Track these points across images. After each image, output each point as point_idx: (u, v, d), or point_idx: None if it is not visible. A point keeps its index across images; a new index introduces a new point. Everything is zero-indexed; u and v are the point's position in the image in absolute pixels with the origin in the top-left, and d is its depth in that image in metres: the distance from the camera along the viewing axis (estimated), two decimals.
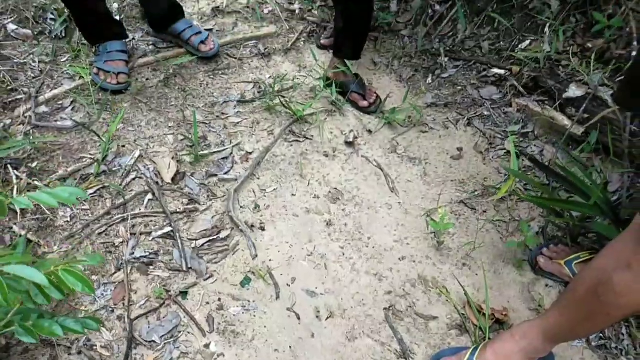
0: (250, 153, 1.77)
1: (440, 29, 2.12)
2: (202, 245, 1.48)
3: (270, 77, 2.05)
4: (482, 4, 2.06)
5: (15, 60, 1.97)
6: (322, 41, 2.19)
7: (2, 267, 0.69)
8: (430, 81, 2.03)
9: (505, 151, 1.74)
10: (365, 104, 1.91)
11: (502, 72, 1.92)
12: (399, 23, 2.21)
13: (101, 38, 1.88)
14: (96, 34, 1.87)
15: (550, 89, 1.79)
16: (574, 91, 1.72)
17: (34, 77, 1.92)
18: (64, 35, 2.08)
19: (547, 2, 1.94)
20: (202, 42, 2.02)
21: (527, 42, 1.93)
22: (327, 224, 1.55)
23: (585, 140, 1.64)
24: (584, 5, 1.90)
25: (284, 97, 1.94)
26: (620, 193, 1.50)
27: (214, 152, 1.74)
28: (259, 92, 1.99)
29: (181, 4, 2.34)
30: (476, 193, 1.61)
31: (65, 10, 2.02)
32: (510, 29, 1.98)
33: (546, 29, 1.91)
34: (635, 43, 1.71)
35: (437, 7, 2.14)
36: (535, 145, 1.74)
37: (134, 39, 2.10)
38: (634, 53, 1.69)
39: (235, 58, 2.12)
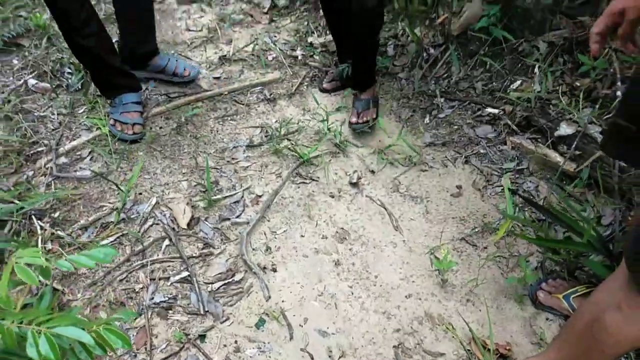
0: (260, 196, 1.86)
1: (435, 71, 2.24)
2: (218, 288, 1.55)
3: (276, 121, 2.16)
4: (474, 47, 2.19)
5: (35, 114, 2.09)
6: (325, 85, 2.31)
7: (53, 328, 0.77)
8: (428, 121, 2.13)
9: (502, 188, 1.83)
10: (353, 120, 2.06)
11: (496, 111, 2.03)
12: (396, 66, 2.34)
13: (116, 91, 2.00)
14: (111, 88, 2.00)
15: (542, 127, 1.89)
16: (564, 129, 1.82)
17: (53, 129, 2.04)
18: (80, 87, 2.21)
19: (535, 44, 2.06)
20: (185, 69, 2.24)
21: (518, 82, 2.05)
22: (336, 264, 1.63)
23: (578, 176, 1.73)
24: (570, 47, 2.02)
25: (289, 140, 2.05)
26: (614, 227, 1.58)
27: (226, 197, 1.84)
28: (266, 136, 2.09)
29: (189, 53, 2.49)
30: (476, 230, 1.69)
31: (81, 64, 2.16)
32: (502, 71, 2.10)
33: (536, 70, 2.02)
34: (619, 83, 1.82)
35: (432, 51, 2.27)
36: (530, 182, 1.83)
37: (147, 89, 2.23)
38: (619, 92, 1.80)
39: (243, 104, 2.24)
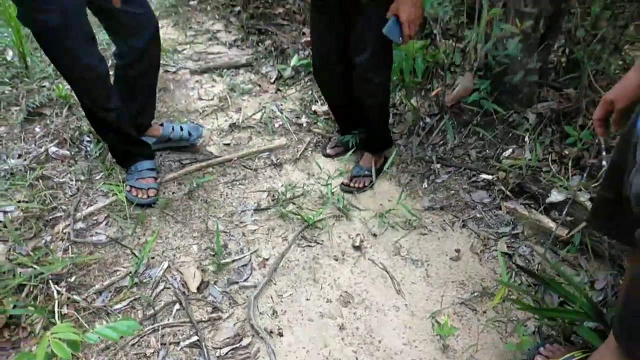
0: (267, 259, 1.94)
1: (432, 138, 2.39)
2: (226, 353, 1.60)
3: (282, 185, 2.28)
4: (467, 117, 2.35)
5: (55, 180, 2.21)
6: (328, 150, 2.45)
7: None
8: (426, 185, 2.25)
9: (499, 252, 1.91)
10: (345, 181, 2.23)
11: (490, 177, 2.15)
12: (395, 133, 2.49)
13: (132, 160, 2.14)
14: (128, 158, 2.13)
15: (534, 194, 2.00)
16: (555, 196, 1.93)
17: (71, 195, 2.15)
18: (98, 155, 2.34)
19: (525, 116, 2.21)
20: (189, 132, 2.36)
21: (510, 150, 2.18)
22: (340, 328, 1.69)
23: (571, 241, 1.82)
24: (558, 118, 2.18)
25: (295, 204, 2.15)
26: (606, 291, 1.65)
27: (234, 260, 1.91)
28: (272, 200, 2.20)
29: (200, 121, 2.65)
30: (475, 294, 1.76)
31: None
32: (493, 140, 2.24)
33: (526, 139, 2.16)
34: (604, 153, 1.95)
35: (428, 120, 2.43)
36: (525, 246, 1.91)
37: (161, 155, 2.36)
38: (604, 162, 1.93)
39: (251, 169, 2.37)
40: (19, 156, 2.32)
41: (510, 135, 2.21)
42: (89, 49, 1.81)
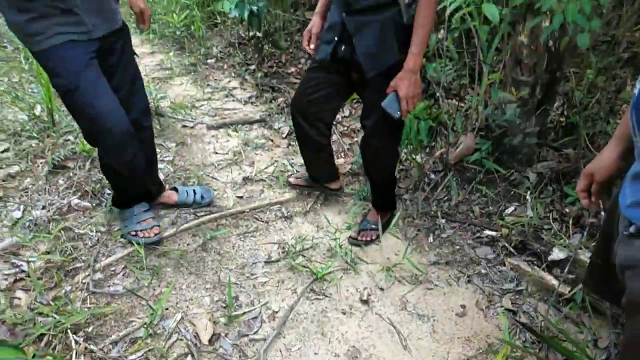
0: (277, 312, 1.99)
1: (437, 194, 2.48)
2: None
3: (292, 237, 2.36)
4: (470, 174, 2.45)
5: (76, 231, 2.32)
6: (290, 179, 2.57)
7: None
8: (432, 240, 2.32)
9: (503, 308, 1.95)
10: (353, 234, 2.29)
11: (494, 233, 2.22)
12: (401, 188, 2.59)
13: (132, 204, 2.24)
14: (130, 201, 2.23)
15: (536, 251, 2.06)
16: (557, 254, 1.99)
17: (91, 246, 2.25)
18: None
19: (526, 175, 2.31)
20: (202, 196, 2.47)
21: (512, 207, 2.26)
22: None
23: (573, 298, 1.86)
24: (558, 177, 2.27)
25: (304, 256, 2.22)
26: (610, 350, 1.68)
27: (245, 312, 1.97)
28: (283, 252, 2.28)
29: (216, 174, 2.78)
30: (481, 351, 1.79)
31: None
32: (496, 197, 2.32)
33: (527, 197, 2.25)
34: (602, 213, 2.02)
35: (432, 176, 2.53)
36: (529, 303, 1.96)
37: (177, 208, 2.48)
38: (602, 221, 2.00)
39: (262, 221, 2.46)
40: (43, 207, 2.44)
41: (512, 193, 2.30)
42: (108, 109, 1.87)
